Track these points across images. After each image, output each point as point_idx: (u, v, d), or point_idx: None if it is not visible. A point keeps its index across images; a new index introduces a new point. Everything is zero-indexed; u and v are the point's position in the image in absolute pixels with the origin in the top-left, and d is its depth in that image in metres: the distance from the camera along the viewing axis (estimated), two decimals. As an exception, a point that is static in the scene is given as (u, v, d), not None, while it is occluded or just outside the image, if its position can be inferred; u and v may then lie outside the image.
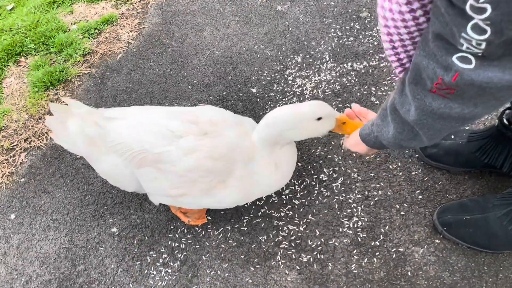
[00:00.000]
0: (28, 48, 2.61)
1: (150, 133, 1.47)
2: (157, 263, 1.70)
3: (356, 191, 1.80)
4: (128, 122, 1.51)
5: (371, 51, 2.30)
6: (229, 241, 1.73)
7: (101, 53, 2.54)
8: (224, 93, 2.23)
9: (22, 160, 2.10)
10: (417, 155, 1.87)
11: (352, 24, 2.45)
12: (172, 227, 1.79)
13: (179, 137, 1.45)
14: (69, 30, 2.72)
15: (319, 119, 1.38)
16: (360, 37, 2.38)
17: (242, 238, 1.73)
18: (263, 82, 2.25)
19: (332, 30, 2.44)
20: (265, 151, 1.48)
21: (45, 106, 2.30)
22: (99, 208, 1.88)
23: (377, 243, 1.66)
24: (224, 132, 1.49)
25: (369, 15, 2.48)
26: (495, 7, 0.70)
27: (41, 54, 2.57)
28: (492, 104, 0.94)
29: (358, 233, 1.69)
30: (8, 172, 2.06)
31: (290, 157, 1.56)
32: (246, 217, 1.79)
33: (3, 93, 2.41)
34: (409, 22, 0.99)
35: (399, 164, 1.86)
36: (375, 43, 2.34)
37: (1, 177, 2.04)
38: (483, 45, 0.79)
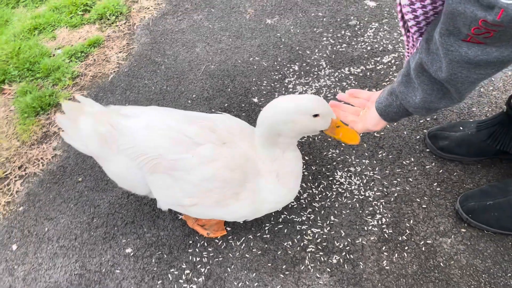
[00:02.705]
0: (11, 75, 2.50)
1: (166, 138, 1.40)
2: (180, 280, 1.60)
3: (374, 189, 1.79)
4: (143, 123, 1.44)
5: (365, 55, 2.35)
6: (253, 250, 1.66)
7: (91, 75, 2.47)
8: (226, 104, 2.20)
9: (18, 188, 1.97)
10: (428, 149, 1.89)
11: (343, 32, 2.50)
12: (190, 241, 1.71)
13: (197, 144, 1.39)
14: (54, 55, 2.63)
15: (315, 115, 1.31)
16: (353, 43, 2.43)
17: (266, 246, 1.67)
18: (264, 92, 2.24)
19: (324, 38, 2.48)
20: (266, 156, 1.42)
21: (37, 132, 2.19)
22: (110, 230, 1.77)
23: (404, 237, 1.64)
24: (239, 143, 1.45)
25: (358, 22, 2.54)
26: None
27: (27, 80, 2.47)
28: None
29: (384, 230, 1.67)
30: (4, 201, 1.92)
31: (294, 166, 1.47)
32: (267, 224, 1.73)
33: (-11, 122, 2.28)
34: None
35: (412, 159, 1.87)
36: (368, 48, 2.39)
37: (-3, 208, 1.90)
38: None
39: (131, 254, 1.69)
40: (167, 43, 2.61)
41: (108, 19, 2.83)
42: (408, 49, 1.32)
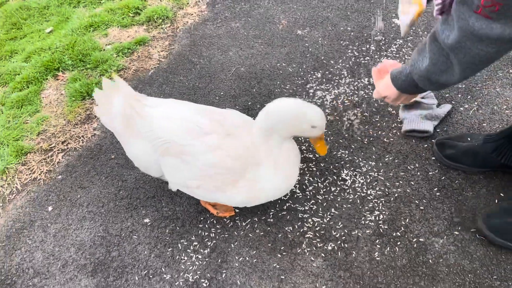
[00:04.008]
0: (66, 64, 2.81)
1: (179, 126, 1.56)
2: (188, 250, 1.78)
3: (376, 188, 1.91)
4: (162, 112, 1.60)
5: (386, 68, 2.47)
6: (257, 231, 1.82)
7: (134, 69, 2.74)
8: (249, 103, 2.39)
9: (59, 159, 2.23)
10: (434, 157, 1.99)
11: (367, 46, 2.64)
12: (201, 218, 1.89)
13: (205, 134, 1.55)
14: (104, 49, 2.94)
15: (313, 126, 1.48)
16: (376, 57, 2.56)
17: (268, 228, 1.82)
18: (286, 94, 2.41)
19: (349, 51, 2.63)
20: (263, 149, 1.55)
21: (81, 114, 2.46)
22: (133, 202, 1.99)
23: (398, 234, 1.74)
24: (244, 136, 1.59)
25: (383, 38, 2.68)
26: None
27: (78, 70, 2.77)
28: None
29: (380, 225, 1.78)
30: (46, 170, 2.19)
31: (290, 156, 1.61)
32: (272, 210, 1.88)
33: (42, 102, 2.59)
34: None
35: (417, 165, 1.97)
36: (390, 61, 2.51)
37: (40, 174, 2.17)
38: None
39: (148, 223, 1.89)
40: (204, 45, 2.85)
41: (155, 22, 3.12)
42: None
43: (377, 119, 2.20)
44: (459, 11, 1.12)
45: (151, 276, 1.72)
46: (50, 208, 2.02)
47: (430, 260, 1.65)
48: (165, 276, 1.71)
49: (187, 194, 1.94)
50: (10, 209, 2.05)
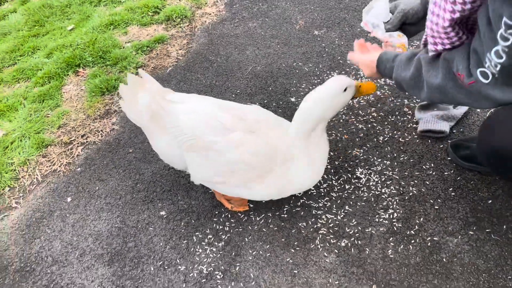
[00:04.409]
0: (86, 61, 2.88)
1: (203, 122, 1.60)
2: (203, 243, 1.81)
3: (391, 187, 1.91)
4: (186, 108, 1.65)
5: (403, 69, 2.47)
6: (270, 226, 1.84)
7: (152, 67, 2.79)
8: (265, 101, 2.41)
9: (79, 152, 2.29)
10: (449, 158, 1.98)
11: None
12: (216, 212, 1.91)
13: (228, 130, 1.58)
14: (124, 47, 3.00)
15: (345, 90, 1.58)
16: (392, 57, 2.56)
17: (282, 224, 1.84)
18: (301, 93, 2.43)
19: (366, 51, 2.64)
20: (300, 145, 1.61)
21: (100, 108, 2.52)
22: (149, 195, 2.02)
23: (413, 232, 1.75)
24: (267, 132, 1.63)
25: (400, 39, 2.68)
26: None
27: (98, 66, 2.83)
28: (487, 105, 1.32)
29: (394, 223, 1.78)
30: (66, 162, 2.24)
31: (323, 154, 1.69)
32: (286, 206, 1.90)
33: (62, 97, 2.65)
34: (450, 34, 1.32)
35: (432, 165, 1.97)
36: (407, 62, 2.51)
37: (60, 166, 2.22)
38: (498, 67, 1.15)
39: (164, 216, 1.93)
40: (222, 45, 2.89)
41: (174, 21, 3.17)
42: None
43: (392, 119, 2.20)
44: (443, 64, 1.35)
45: (166, 267, 1.75)
46: (69, 199, 2.07)
47: (444, 259, 1.65)
48: (180, 267, 1.74)
49: (204, 188, 1.98)
50: (31, 199, 2.11)
